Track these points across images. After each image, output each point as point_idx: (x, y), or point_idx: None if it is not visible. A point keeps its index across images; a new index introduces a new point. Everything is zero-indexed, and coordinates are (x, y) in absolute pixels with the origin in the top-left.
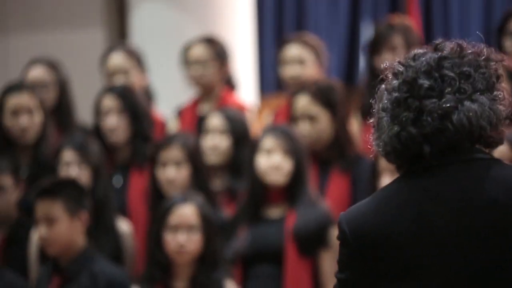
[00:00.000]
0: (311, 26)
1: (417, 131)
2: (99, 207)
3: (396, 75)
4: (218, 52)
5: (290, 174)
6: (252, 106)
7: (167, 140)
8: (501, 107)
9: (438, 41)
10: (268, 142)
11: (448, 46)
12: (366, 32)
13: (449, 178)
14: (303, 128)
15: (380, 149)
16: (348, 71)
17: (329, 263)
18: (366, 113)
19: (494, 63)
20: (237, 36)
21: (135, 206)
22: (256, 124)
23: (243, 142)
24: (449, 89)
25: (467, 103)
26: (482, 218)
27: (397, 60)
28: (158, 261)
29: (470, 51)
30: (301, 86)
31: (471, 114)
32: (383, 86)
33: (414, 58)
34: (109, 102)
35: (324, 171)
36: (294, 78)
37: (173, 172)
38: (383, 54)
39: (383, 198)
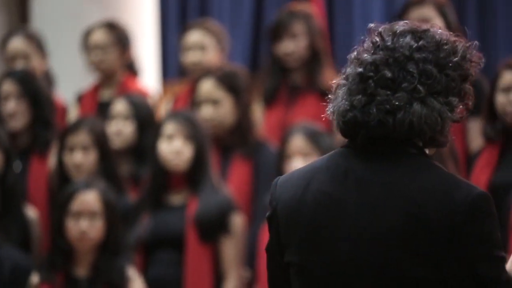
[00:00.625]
0: (215, 12)
1: (361, 117)
2: (8, 193)
3: (371, 47)
4: (119, 38)
5: (191, 159)
6: (154, 92)
7: (75, 125)
8: (450, 115)
9: (428, 25)
10: (169, 127)
11: (432, 34)
12: (270, 19)
13: (375, 167)
14: (206, 112)
15: (330, 113)
16: (253, 58)
17: (230, 249)
18: (267, 99)
19: (468, 63)
20: (140, 21)
21: (35, 192)
22: (160, 110)
23: (147, 128)
24: (406, 85)
25: (416, 105)
26: (391, 213)
27: (379, 30)
28: (60, 247)
29: (447, 46)
30: (205, 71)
31: (415, 118)
32: (358, 49)
33: (393, 37)
34: (9, 87)
35: (226, 157)
36: (195, 64)
37: (80, 157)
38: (284, 41)
39: (313, 168)
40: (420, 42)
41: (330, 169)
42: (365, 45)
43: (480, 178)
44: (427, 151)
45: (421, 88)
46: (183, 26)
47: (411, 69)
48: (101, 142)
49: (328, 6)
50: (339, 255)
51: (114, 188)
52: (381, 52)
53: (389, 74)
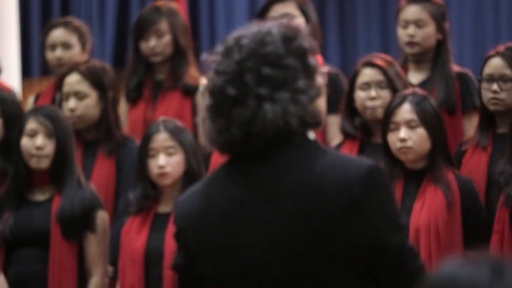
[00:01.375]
0: (80, 10)
1: (231, 139)
2: None
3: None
4: None
5: (54, 156)
6: (16, 90)
7: None
8: (305, 97)
9: (240, 34)
10: (31, 124)
11: (246, 43)
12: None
13: (265, 165)
14: (71, 105)
15: (208, 142)
16: (118, 55)
17: (94, 246)
18: (131, 95)
19: (298, 40)
20: (1, 19)
21: None
22: (25, 108)
23: (14, 124)
24: (251, 94)
25: (267, 106)
26: (291, 202)
27: (216, 50)
28: None
29: (270, 41)
30: (70, 67)
31: (270, 116)
32: (211, 73)
33: (223, 57)
34: None
35: (90, 153)
36: (59, 61)
37: None
38: (149, 38)
39: (210, 180)
40: (243, 51)
41: (225, 179)
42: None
43: None
44: (311, 135)
45: (263, 90)
46: (46, 24)
47: (247, 80)
48: None
49: (192, 3)
50: (251, 256)
51: None
52: (218, 78)
53: (232, 92)
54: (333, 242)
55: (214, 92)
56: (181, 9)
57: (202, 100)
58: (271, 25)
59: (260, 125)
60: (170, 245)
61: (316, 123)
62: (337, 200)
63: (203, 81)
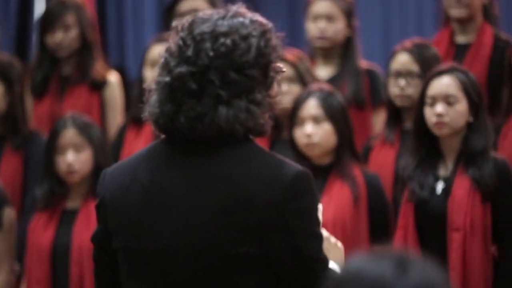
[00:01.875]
0: None
1: (172, 125)
2: None
3: (176, 54)
4: None
5: None
6: None
7: None
8: (259, 109)
9: (219, 25)
10: None
11: (223, 41)
12: (39, 9)
13: (198, 154)
14: None
15: (146, 117)
16: (21, 48)
17: (0, 243)
18: (37, 90)
19: (268, 50)
20: None
21: None
22: None
23: None
24: (209, 93)
25: (221, 109)
26: (214, 194)
27: (181, 34)
28: None
29: (243, 45)
30: None
31: (221, 121)
32: (166, 53)
33: (194, 43)
34: None
35: None
36: None
37: None
38: (55, 32)
39: (139, 157)
40: (217, 47)
41: (155, 158)
42: (172, 47)
43: None
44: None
45: (223, 93)
46: None
47: (212, 78)
48: None
49: None
50: (164, 238)
51: None
52: (185, 65)
53: (193, 86)
54: (248, 241)
55: (175, 76)
56: (88, 3)
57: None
58: (251, 29)
59: (207, 124)
60: (77, 241)
61: (261, 132)
62: (259, 201)
63: (111, 76)
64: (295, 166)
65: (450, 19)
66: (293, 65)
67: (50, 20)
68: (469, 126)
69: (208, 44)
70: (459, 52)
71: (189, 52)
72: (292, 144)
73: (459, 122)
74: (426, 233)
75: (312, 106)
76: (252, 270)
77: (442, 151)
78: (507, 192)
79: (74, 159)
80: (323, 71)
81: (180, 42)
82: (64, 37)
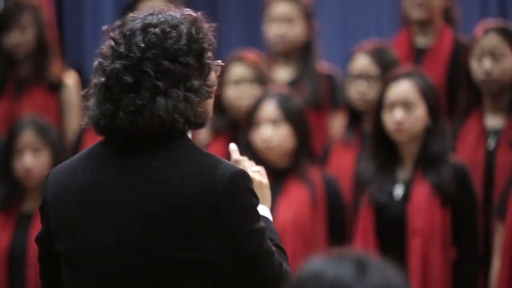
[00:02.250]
0: None
1: (112, 124)
2: None
3: (110, 53)
4: None
5: None
6: None
7: None
8: (196, 97)
9: (149, 19)
10: None
11: (158, 23)
12: None
13: (136, 155)
14: None
15: (86, 122)
16: None
17: None
18: None
19: (200, 38)
20: None
21: None
22: None
23: None
24: (146, 85)
25: (160, 100)
26: (152, 196)
27: (112, 34)
28: None
29: (174, 33)
30: None
31: (161, 111)
32: (100, 56)
33: (125, 40)
34: None
35: None
36: None
37: None
38: (12, 32)
39: (80, 158)
40: (148, 38)
41: (94, 159)
42: (104, 50)
43: None
44: (189, 134)
45: (160, 83)
46: None
47: (147, 69)
48: None
49: None
50: (103, 240)
51: None
52: (118, 61)
53: (129, 80)
54: (186, 245)
55: (110, 74)
56: (46, 3)
57: (95, 72)
58: (181, 18)
59: (148, 116)
60: (34, 244)
61: (201, 124)
62: (195, 204)
63: (68, 77)
64: (231, 166)
65: (410, 21)
66: (253, 65)
67: (6, 21)
68: (427, 130)
69: (139, 37)
70: (418, 55)
71: (121, 48)
72: (249, 147)
73: (417, 127)
74: (385, 237)
75: (270, 108)
76: (192, 275)
77: (401, 156)
78: (466, 197)
79: (32, 161)
80: (282, 74)
81: (112, 43)
82: (20, 38)
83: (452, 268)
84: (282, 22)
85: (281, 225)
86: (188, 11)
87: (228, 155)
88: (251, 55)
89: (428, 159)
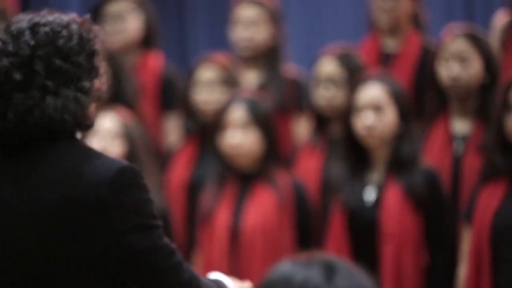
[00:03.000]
0: None
1: (2, 125)
2: None
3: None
4: None
5: None
6: None
7: None
8: (86, 98)
9: (36, 20)
10: None
11: (48, 22)
12: None
13: (26, 158)
14: None
15: None
16: None
17: None
18: None
19: (90, 39)
20: None
21: None
22: None
23: None
24: (36, 84)
25: (49, 99)
26: (43, 197)
27: (1, 34)
28: None
29: (64, 32)
30: None
31: (51, 111)
32: None
33: (13, 39)
34: None
35: None
36: None
37: None
38: None
39: None
40: (38, 37)
41: None
42: None
43: (180, 173)
44: (78, 135)
45: (50, 83)
46: None
47: (37, 68)
48: None
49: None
50: (5, 248)
51: None
52: (6, 59)
53: (18, 77)
54: (75, 243)
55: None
56: (12, 4)
57: None
58: (70, 19)
59: (38, 116)
60: None
61: (89, 125)
62: (85, 199)
63: None
64: (118, 161)
65: (378, 27)
66: (222, 68)
67: None
68: (398, 134)
69: (27, 36)
70: (386, 60)
71: (10, 47)
72: (217, 151)
73: (388, 131)
74: (358, 242)
75: (239, 113)
76: (84, 273)
77: (372, 160)
78: (437, 201)
79: None
80: (248, 77)
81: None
82: None
83: (425, 272)
84: (249, 25)
85: (249, 230)
86: (75, 15)
87: (198, 157)
88: (220, 57)
89: (400, 163)
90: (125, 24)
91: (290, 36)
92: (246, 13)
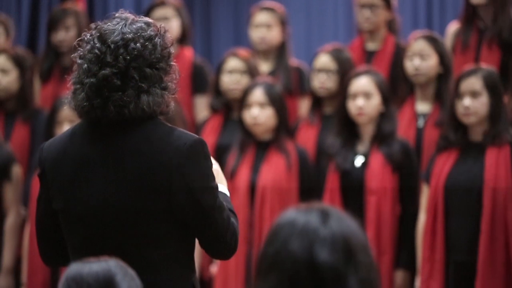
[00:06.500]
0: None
1: (102, 114)
2: None
3: (95, 59)
4: None
5: None
6: None
7: None
8: (169, 93)
9: (125, 31)
10: None
11: (134, 47)
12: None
13: (117, 133)
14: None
15: (71, 108)
16: (32, 44)
17: (10, 192)
18: (44, 76)
19: (166, 47)
20: None
21: None
22: None
23: None
24: (132, 85)
25: (144, 97)
26: (129, 164)
27: (92, 46)
28: None
29: (150, 45)
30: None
31: (145, 105)
32: (84, 58)
33: (110, 50)
34: None
35: (10, 120)
36: None
37: None
38: (58, 31)
39: (69, 134)
40: (131, 51)
41: (81, 136)
42: (88, 57)
43: (208, 140)
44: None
45: (143, 85)
46: None
47: (133, 75)
48: None
49: (89, 4)
50: (93, 199)
51: None
52: (108, 68)
53: (118, 82)
54: (157, 199)
55: (100, 77)
56: (83, 9)
57: (78, 68)
58: (150, 30)
59: (133, 109)
60: None
61: (167, 112)
62: (163, 168)
63: None
64: (191, 135)
65: (361, 31)
66: (245, 60)
67: (54, 22)
68: (381, 115)
69: (122, 50)
70: (369, 56)
71: (108, 58)
72: (241, 123)
73: (374, 112)
74: (348, 196)
75: (258, 94)
76: (161, 222)
77: (361, 134)
78: (409, 166)
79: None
80: (263, 67)
81: (96, 51)
82: (65, 36)
83: (398, 220)
84: (263, 27)
85: (263, 186)
86: (151, 21)
87: (222, 128)
88: (244, 51)
89: (382, 137)
90: (169, 25)
91: (294, 38)
92: (261, 17)
